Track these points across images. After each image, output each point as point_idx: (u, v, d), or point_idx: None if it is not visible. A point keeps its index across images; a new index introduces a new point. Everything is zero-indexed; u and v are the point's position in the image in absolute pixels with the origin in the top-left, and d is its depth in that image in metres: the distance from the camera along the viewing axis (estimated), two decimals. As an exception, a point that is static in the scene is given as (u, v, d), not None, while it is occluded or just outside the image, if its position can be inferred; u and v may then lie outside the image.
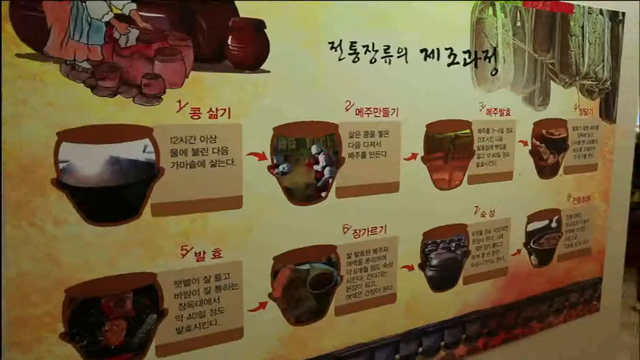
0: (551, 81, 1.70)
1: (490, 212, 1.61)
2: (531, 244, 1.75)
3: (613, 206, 1.99)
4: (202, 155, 1.11)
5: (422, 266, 1.49)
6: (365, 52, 1.29)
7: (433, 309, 1.54)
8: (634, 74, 1.98)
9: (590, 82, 1.82)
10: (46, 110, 0.94)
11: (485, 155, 1.57)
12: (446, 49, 1.43)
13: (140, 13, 1.01)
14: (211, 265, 1.15)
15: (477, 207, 1.58)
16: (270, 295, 1.23)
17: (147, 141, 1.04)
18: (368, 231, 1.36)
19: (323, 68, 1.24)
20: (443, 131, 1.46)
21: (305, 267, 1.28)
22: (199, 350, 1.16)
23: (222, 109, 1.12)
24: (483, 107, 1.54)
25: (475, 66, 1.50)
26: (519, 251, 1.72)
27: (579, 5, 1.73)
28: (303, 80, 1.21)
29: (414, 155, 1.41)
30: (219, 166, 1.13)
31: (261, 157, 1.18)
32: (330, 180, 1.28)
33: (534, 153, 1.69)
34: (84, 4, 0.95)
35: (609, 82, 1.87)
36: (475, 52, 1.50)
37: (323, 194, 1.28)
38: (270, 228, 1.22)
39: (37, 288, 0.97)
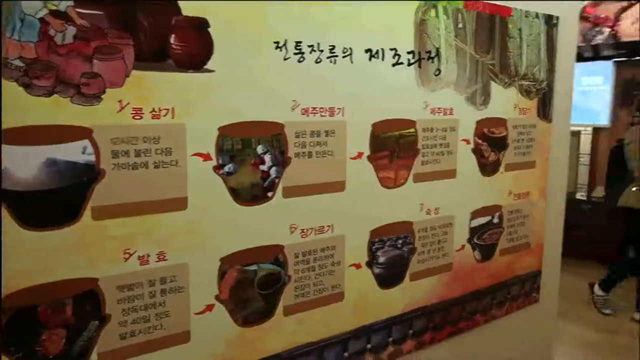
0: (492, 81, 1.75)
1: (435, 209, 1.65)
2: (475, 240, 1.80)
3: (550, 202, 2.08)
4: (145, 156, 1.08)
5: (370, 264, 1.50)
6: (310, 52, 1.29)
7: (381, 306, 1.56)
8: (568, 75, 2.06)
9: (528, 83, 1.88)
10: (-24, 110, 0.90)
11: (430, 154, 1.60)
12: (391, 49, 1.46)
13: (77, 10, 0.97)
14: (156, 268, 1.13)
15: (422, 204, 1.61)
16: (217, 297, 1.22)
17: (86, 142, 1.01)
18: (315, 230, 1.37)
19: (268, 68, 1.23)
20: (388, 130, 1.48)
21: (253, 267, 1.27)
22: (144, 355, 1.13)
23: (165, 109, 1.10)
24: (427, 107, 1.57)
25: (419, 66, 1.53)
26: (463, 247, 1.77)
27: (516, 8, 1.79)
28: (248, 80, 1.20)
29: (359, 155, 1.43)
30: (163, 167, 1.11)
31: (206, 157, 1.17)
32: (277, 180, 1.28)
33: (477, 151, 1.74)
34: (15, -1, 0.91)
35: (545, 83, 1.95)
36: (419, 53, 1.52)
37: (269, 194, 1.27)
38: (217, 229, 1.20)
39: (-31, 297, 0.93)
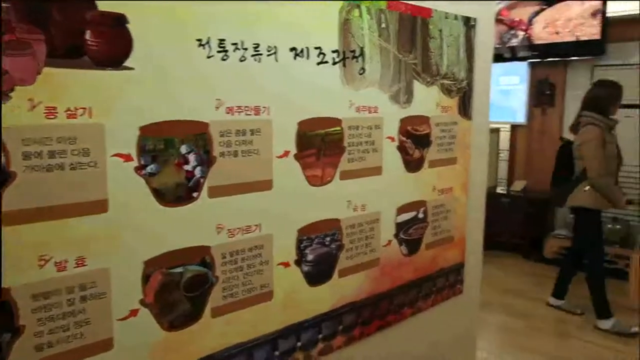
0: (414, 80, 1.80)
1: (362, 206, 1.68)
2: (401, 235, 1.84)
3: (472, 196, 2.16)
4: (60, 157, 1.03)
5: (298, 262, 1.51)
6: (234, 50, 1.28)
7: (310, 304, 1.57)
8: (485, 75, 2.16)
9: (449, 82, 1.95)
10: None
11: (356, 152, 1.62)
12: (315, 48, 1.46)
13: (-20, 2, 0.91)
14: (74, 274, 1.08)
15: (349, 201, 1.63)
16: (141, 302, 1.18)
17: (-7, 143, 0.95)
18: (242, 230, 1.36)
19: (191, 66, 1.21)
20: (314, 129, 1.49)
21: (179, 269, 1.24)
22: (63, 366, 1.08)
23: (81, 108, 1.05)
24: (352, 105, 1.60)
25: (344, 65, 1.55)
26: (389, 242, 1.81)
27: (437, 10, 1.85)
28: (170, 78, 1.17)
29: (286, 153, 1.43)
30: (80, 169, 1.06)
31: (127, 158, 1.13)
32: (202, 180, 1.26)
33: (401, 148, 1.78)
34: None
35: (465, 82, 2.02)
36: (344, 52, 1.54)
37: (195, 194, 1.25)
38: (140, 231, 1.17)
39: None
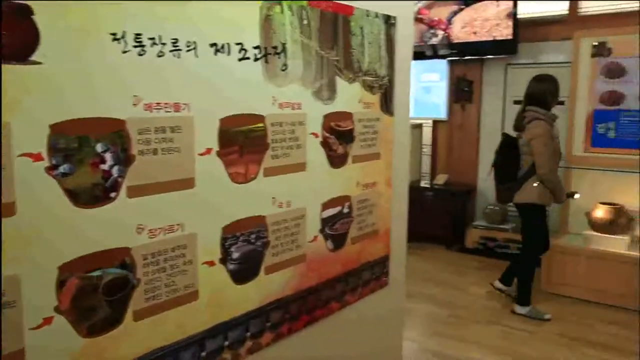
0: (337, 77, 1.82)
1: (287, 202, 1.68)
2: (326, 230, 1.86)
3: (395, 190, 2.22)
4: (-40, 158, 0.97)
5: (224, 261, 1.49)
6: (152, 45, 1.24)
7: (237, 302, 1.56)
8: (406, 72, 2.22)
9: (371, 78, 1.99)
10: None
11: (280, 148, 1.62)
12: (236, 44, 1.45)
13: None
14: (-20, 283, 1.01)
15: (274, 198, 1.63)
16: (56, 309, 1.13)
17: None
18: (164, 230, 1.32)
19: (106, 61, 1.16)
20: (237, 125, 1.48)
21: (97, 273, 1.19)
22: (-30, 381, 1.01)
23: (-17, 105, 0.98)
24: (275, 102, 1.59)
25: (266, 62, 1.55)
26: (315, 238, 1.82)
27: (358, 7, 1.88)
28: (83, 73, 1.12)
29: (208, 151, 1.40)
30: (-17, 170, 0.99)
31: (37, 157, 1.07)
32: (120, 180, 1.21)
33: (325, 144, 1.80)
34: None
35: (386, 79, 2.07)
36: (265, 48, 1.54)
37: (112, 195, 1.20)
38: (53, 235, 1.11)
39: None
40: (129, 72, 1.21)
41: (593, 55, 3.90)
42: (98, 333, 1.21)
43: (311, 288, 1.83)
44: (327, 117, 1.80)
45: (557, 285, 3.87)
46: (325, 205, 1.84)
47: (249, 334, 1.61)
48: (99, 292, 1.20)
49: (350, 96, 1.89)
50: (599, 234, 3.82)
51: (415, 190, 5.16)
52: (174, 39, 1.29)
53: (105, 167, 1.18)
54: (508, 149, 3.46)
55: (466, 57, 4.94)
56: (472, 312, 3.64)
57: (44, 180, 1.08)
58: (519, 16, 4.56)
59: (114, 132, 1.19)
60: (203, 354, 1.47)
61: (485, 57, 4.89)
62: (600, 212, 3.80)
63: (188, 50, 1.32)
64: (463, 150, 5.21)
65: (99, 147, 1.16)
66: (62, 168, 1.10)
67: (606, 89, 3.84)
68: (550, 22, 4.58)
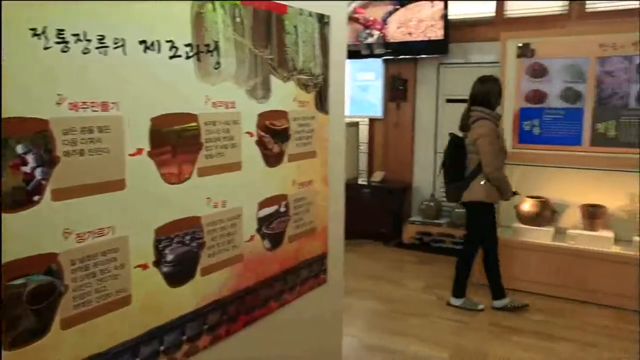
0: (271, 75, 1.82)
1: (223, 202, 1.66)
2: (263, 229, 1.85)
3: (331, 188, 2.24)
4: None
5: (157, 263, 1.46)
6: (76, 42, 1.20)
7: (172, 305, 1.52)
8: (340, 71, 2.24)
9: (306, 77, 2.00)
10: None
11: (214, 147, 1.60)
12: (167, 41, 1.42)
13: None
14: None
15: (209, 198, 1.61)
16: (-25, 320, 1.07)
17: None
18: (94, 234, 1.28)
19: (24, 58, 1.10)
20: (169, 125, 1.45)
21: (20, 281, 1.14)
22: None
23: None
24: (208, 100, 1.57)
25: (198, 60, 1.52)
26: (252, 237, 1.81)
27: (291, 6, 1.88)
28: None
29: (139, 151, 1.37)
30: None
31: (-50, 160, 1.01)
32: (44, 182, 1.16)
33: (260, 143, 1.79)
34: None
35: (321, 77, 2.08)
36: (197, 46, 1.51)
37: (36, 198, 1.15)
38: (-30, 242, 1.05)
39: None
40: (52, 70, 1.16)
41: (518, 56, 4.07)
42: (23, 344, 1.15)
43: (249, 288, 1.82)
44: (262, 116, 1.79)
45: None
46: (262, 205, 1.83)
47: (185, 337, 1.58)
48: (23, 300, 1.15)
49: (285, 95, 1.89)
50: (527, 226, 3.99)
51: (352, 188, 5.21)
52: (100, 35, 1.24)
53: (27, 169, 1.13)
54: (455, 149, 3.52)
55: (401, 57, 5.04)
56: (410, 305, 3.72)
57: (-42, 184, 1.02)
58: (449, 17, 4.71)
59: (36, 132, 1.14)
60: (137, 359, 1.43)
61: (419, 56, 5.01)
62: (527, 206, 3.98)
63: (116, 48, 1.28)
64: (399, 148, 5.32)
65: (19, 149, 1.11)
66: (-21, 171, 1.05)
67: (531, 88, 4.01)
68: (478, 23, 4.75)
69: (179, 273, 1.53)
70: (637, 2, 4.06)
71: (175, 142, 1.47)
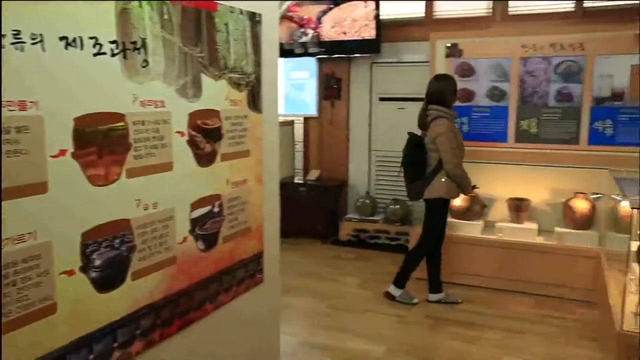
0: (202, 74, 1.79)
1: (154, 204, 1.62)
2: (197, 230, 1.82)
3: (266, 187, 2.23)
4: None
5: (84, 269, 1.40)
6: (-12, 37, 1.13)
7: (102, 312, 1.47)
8: (273, 69, 2.23)
9: (238, 76, 1.98)
10: None
11: (143, 148, 1.56)
12: (90, 38, 1.36)
13: None
14: None
15: (139, 200, 1.56)
16: None
17: None
18: (13, 240, 1.21)
19: None
20: (95, 125, 1.39)
21: None
22: None
23: None
24: (136, 99, 1.52)
25: (125, 57, 1.47)
26: (185, 239, 1.77)
27: (222, 4, 1.85)
28: None
29: (62, 152, 1.31)
30: None
31: None
32: (-44, 187, 1.09)
33: (192, 143, 1.76)
34: None
35: (253, 76, 2.07)
36: (123, 43, 1.46)
37: (-53, 204, 1.08)
38: None
39: None
40: (-37, 67, 1.09)
41: (447, 56, 4.20)
42: None
43: (183, 290, 1.79)
44: (193, 115, 1.76)
45: (424, 270, 4.13)
46: (195, 205, 1.80)
47: (116, 344, 1.53)
48: None
49: (216, 93, 1.86)
50: (459, 221, 4.13)
51: (289, 187, 5.23)
52: (15, 30, 1.18)
53: (-64, 173, 1.05)
54: (415, 148, 3.57)
55: (335, 56, 5.09)
56: (347, 301, 3.77)
57: None
58: (381, 17, 4.79)
59: (-54, 134, 1.07)
60: (65, 370, 1.37)
61: (352, 55, 5.07)
62: (458, 201, 4.11)
63: (34, 44, 1.22)
64: (334, 146, 5.36)
65: None
66: None
67: (460, 87, 4.16)
68: (409, 23, 4.86)
69: (108, 278, 1.48)
70: (554, 6, 4.29)
71: (102, 142, 1.42)
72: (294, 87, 5.47)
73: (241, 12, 1.97)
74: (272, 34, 2.20)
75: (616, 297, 2.82)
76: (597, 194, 3.79)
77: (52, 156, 1.28)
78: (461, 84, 4.13)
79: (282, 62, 5.21)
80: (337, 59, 5.16)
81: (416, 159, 3.58)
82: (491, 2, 4.52)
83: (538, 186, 4.15)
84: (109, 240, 1.47)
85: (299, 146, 5.52)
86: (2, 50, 1.15)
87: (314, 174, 5.34)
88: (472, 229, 4.10)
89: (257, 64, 2.09)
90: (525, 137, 4.07)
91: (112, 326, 1.51)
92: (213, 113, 1.85)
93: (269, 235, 2.29)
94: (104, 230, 1.45)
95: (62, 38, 1.29)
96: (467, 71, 4.15)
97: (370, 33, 4.81)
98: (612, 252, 3.55)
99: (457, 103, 4.13)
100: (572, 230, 3.87)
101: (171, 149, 1.67)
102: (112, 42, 1.43)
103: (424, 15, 4.79)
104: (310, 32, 5.08)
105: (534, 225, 4.03)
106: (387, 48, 4.91)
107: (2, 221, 1.13)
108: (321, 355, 2.99)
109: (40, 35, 1.23)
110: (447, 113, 3.47)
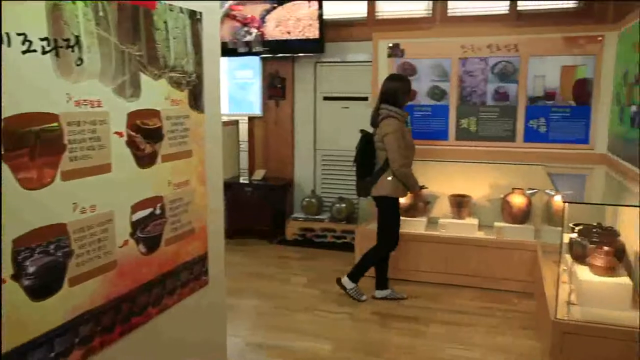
0: (141, 73, 1.74)
1: (91, 207, 1.56)
2: (138, 233, 1.78)
3: (210, 187, 2.20)
4: None
5: (17, 277, 1.34)
6: None
7: (37, 321, 1.41)
8: (214, 68, 2.20)
9: (178, 75, 1.94)
10: None
11: (79, 149, 1.50)
12: (18, 34, 1.30)
13: None
14: None
15: (75, 203, 1.51)
16: None
17: None
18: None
19: None
20: (25, 126, 1.33)
21: None
22: None
23: None
24: (70, 99, 1.47)
25: (57, 55, 1.42)
26: (126, 242, 1.73)
27: (161, 2, 1.81)
28: None
29: (-10, 154, 1.25)
30: None
31: None
32: None
33: (131, 144, 1.71)
34: None
35: (194, 75, 2.04)
36: (55, 40, 1.41)
37: None
38: None
39: None
40: None
41: (389, 56, 4.27)
42: None
43: (125, 295, 1.74)
44: (132, 115, 1.71)
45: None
46: (135, 208, 1.76)
47: (54, 354, 1.47)
48: None
49: (156, 93, 1.82)
50: (402, 218, 4.20)
51: (234, 187, 5.18)
52: None
53: None
54: (366, 145, 3.61)
55: (279, 55, 5.07)
56: (294, 301, 3.77)
57: None
58: (325, 17, 4.82)
59: None
60: (-2, 384, 1.31)
61: (296, 55, 5.07)
62: (402, 198, 4.19)
63: (-44, 41, 1.16)
64: (279, 145, 5.35)
65: None
66: None
67: (403, 86, 4.25)
68: (352, 23, 4.91)
69: (44, 285, 1.42)
70: (490, 8, 4.44)
71: (34, 144, 1.36)
72: (238, 86, 5.42)
73: (181, 10, 1.93)
74: (214, 32, 2.17)
75: (551, 287, 2.95)
76: (533, 189, 3.95)
77: (-21, 159, 1.22)
78: (404, 83, 4.21)
79: (225, 61, 5.16)
80: (281, 59, 5.15)
81: (366, 156, 3.64)
82: (431, 2, 4.63)
83: (478, 182, 4.29)
84: (43, 246, 1.41)
85: (244, 146, 5.48)
86: None
87: (259, 174, 5.31)
88: (416, 225, 4.19)
89: (198, 63, 2.05)
90: (465, 135, 4.20)
91: (48, 335, 1.45)
92: (153, 113, 1.81)
93: (213, 236, 2.26)
94: (38, 236, 1.39)
95: (-13, 34, 1.23)
96: (409, 71, 4.24)
97: (314, 33, 4.83)
98: (547, 245, 3.71)
99: (400, 102, 4.21)
100: (511, 225, 4.02)
101: (109, 150, 1.62)
102: (42, 39, 1.37)
103: (366, 15, 4.85)
104: (254, 31, 5.05)
105: (474, 221, 4.16)
106: (331, 48, 4.95)
107: None
108: (269, 356, 2.98)
109: (-37, 31, 1.17)
110: (397, 113, 3.52)
